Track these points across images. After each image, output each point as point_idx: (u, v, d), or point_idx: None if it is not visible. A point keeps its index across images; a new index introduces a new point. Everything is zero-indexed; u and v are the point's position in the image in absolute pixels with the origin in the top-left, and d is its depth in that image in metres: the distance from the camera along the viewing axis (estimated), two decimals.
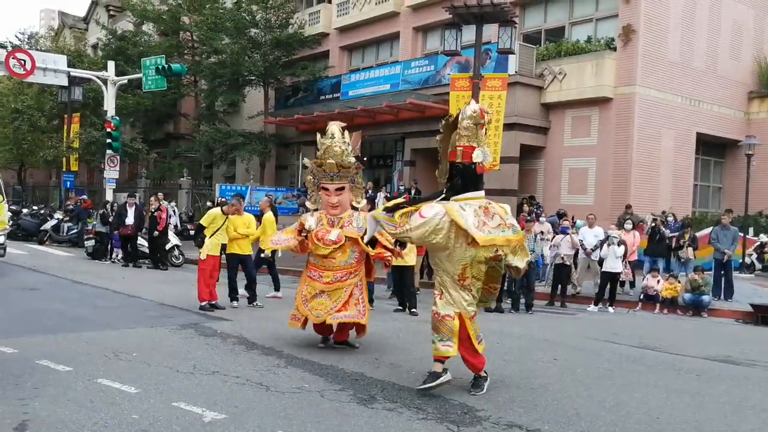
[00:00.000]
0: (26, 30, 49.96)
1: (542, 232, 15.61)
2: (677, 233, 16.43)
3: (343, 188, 8.07)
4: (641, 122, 20.32)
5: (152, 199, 18.36)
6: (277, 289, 13.00)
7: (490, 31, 20.62)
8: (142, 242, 18.17)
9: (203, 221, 11.13)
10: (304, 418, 5.35)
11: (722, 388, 7.16)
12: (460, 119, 6.44)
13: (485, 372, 6.49)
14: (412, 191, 21.42)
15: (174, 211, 20.06)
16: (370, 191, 19.63)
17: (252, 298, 11.56)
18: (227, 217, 11.06)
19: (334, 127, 8.26)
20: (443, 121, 6.75)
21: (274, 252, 12.45)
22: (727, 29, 22.92)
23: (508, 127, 19.09)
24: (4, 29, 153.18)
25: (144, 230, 18.03)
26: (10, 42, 33.70)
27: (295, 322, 8.14)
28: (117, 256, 18.53)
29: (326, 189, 8.06)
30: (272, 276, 13.14)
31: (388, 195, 20.98)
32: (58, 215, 24.39)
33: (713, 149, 24.01)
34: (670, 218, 17.67)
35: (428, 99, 22.47)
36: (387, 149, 27.00)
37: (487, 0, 15.18)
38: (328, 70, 29.58)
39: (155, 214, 17.60)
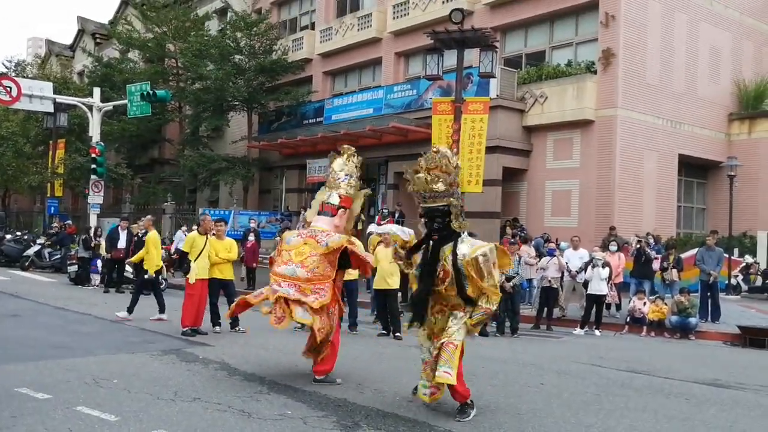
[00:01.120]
0: (13, 58, 49.82)
1: (535, 256, 15.61)
2: (662, 255, 16.41)
3: None
4: (623, 144, 20.43)
5: (144, 222, 18.17)
6: (161, 311, 12.41)
7: (472, 55, 20.80)
8: (127, 267, 18.01)
9: (184, 247, 11.09)
10: None
11: (711, 413, 7.10)
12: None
13: (471, 401, 6.45)
14: (396, 215, 21.42)
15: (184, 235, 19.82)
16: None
17: (234, 323, 11.44)
18: (207, 238, 10.99)
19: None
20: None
21: (158, 273, 12.92)
22: (705, 52, 23.19)
23: (490, 150, 19.14)
24: None
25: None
26: None
27: None
28: (95, 282, 18.38)
29: None
30: (157, 299, 12.55)
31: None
32: (41, 241, 24.15)
33: (695, 170, 24.19)
34: (651, 240, 17.68)
35: (411, 123, 22.55)
36: (370, 173, 26.99)
37: (467, 25, 15.31)
38: (311, 95, 29.68)
39: (144, 239, 17.43)
